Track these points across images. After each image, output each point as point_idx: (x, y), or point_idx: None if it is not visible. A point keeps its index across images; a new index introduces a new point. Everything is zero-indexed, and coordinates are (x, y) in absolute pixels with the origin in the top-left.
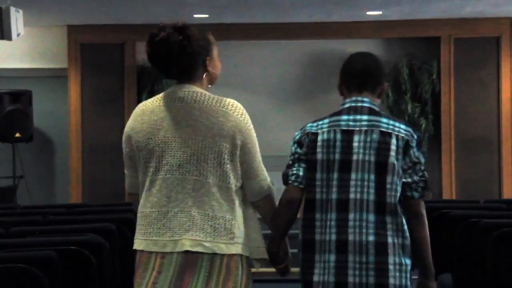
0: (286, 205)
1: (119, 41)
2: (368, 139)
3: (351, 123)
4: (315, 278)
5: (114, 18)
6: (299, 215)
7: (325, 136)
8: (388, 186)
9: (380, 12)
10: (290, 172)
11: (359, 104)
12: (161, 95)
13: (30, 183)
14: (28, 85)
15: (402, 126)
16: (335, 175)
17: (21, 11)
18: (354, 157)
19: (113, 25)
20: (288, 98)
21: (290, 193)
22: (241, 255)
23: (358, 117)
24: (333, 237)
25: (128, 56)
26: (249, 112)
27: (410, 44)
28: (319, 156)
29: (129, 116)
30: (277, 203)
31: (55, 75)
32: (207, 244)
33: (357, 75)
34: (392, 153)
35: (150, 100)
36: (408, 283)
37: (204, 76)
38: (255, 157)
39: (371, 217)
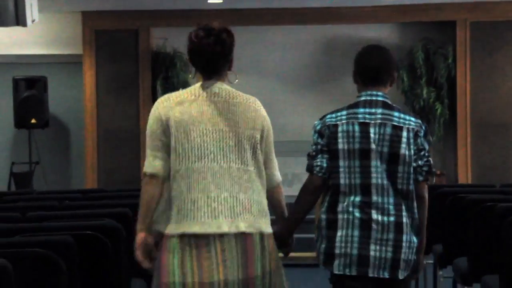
0: (313, 191)
1: (134, 27)
2: (382, 131)
3: (367, 116)
4: (337, 250)
5: (128, 4)
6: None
7: (345, 127)
8: (399, 174)
9: None
10: (315, 163)
11: (374, 98)
12: (194, 89)
13: (46, 168)
14: (43, 71)
15: (412, 119)
16: (357, 162)
17: None
18: (372, 146)
19: (127, 11)
20: (302, 83)
21: (316, 181)
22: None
23: (373, 110)
24: (357, 215)
25: (142, 42)
26: (262, 97)
27: (425, 29)
28: (340, 145)
29: (144, 102)
30: (290, 188)
31: (70, 61)
32: (257, 225)
33: (370, 71)
34: (403, 145)
35: (183, 91)
36: (414, 257)
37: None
38: (272, 149)
39: (391, 199)
